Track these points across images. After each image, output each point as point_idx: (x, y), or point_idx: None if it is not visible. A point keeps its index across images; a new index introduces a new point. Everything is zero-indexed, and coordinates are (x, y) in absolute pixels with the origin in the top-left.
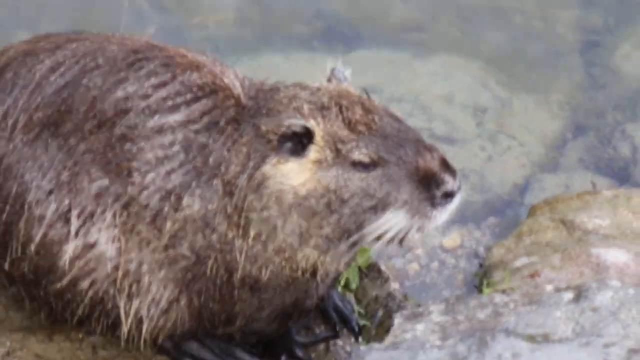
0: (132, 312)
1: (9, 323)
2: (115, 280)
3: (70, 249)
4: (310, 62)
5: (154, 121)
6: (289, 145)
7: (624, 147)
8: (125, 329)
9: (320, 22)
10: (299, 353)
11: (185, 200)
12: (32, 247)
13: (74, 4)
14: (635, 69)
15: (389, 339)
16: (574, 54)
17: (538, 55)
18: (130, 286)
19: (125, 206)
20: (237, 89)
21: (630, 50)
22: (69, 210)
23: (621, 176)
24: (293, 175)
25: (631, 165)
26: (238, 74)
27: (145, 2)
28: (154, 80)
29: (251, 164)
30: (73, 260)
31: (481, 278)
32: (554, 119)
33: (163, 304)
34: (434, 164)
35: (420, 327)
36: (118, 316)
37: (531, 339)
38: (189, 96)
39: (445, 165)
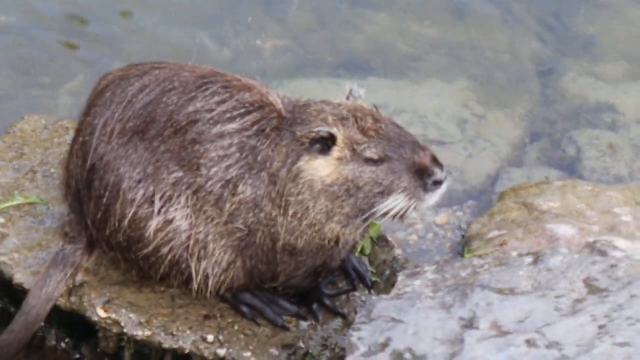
0: (200, 271)
1: (108, 279)
2: (188, 247)
3: (154, 223)
4: (335, 85)
5: (217, 129)
6: (317, 146)
7: (570, 148)
8: (195, 283)
9: (343, 55)
10: (326, 301)
11: (240, 188)
12: (125, 222)
13: (154, 41)
14: (577, 90)
15: (393, 292)
16: (532, 80)
17: (505, 80)
18: (199, 251)
19: (195, 192)
20: (279, 105)
21: (574, 76)
22: (153, 195)
23: (568, 170)
24: (321, 168)
25: (575, 162)
26: (279, 94)
27: (209, 41)
28: (216, 98)
29: (289, 160)
30: (156, 232)
31: (463, 246)
32: (517, 127)
33: (223, 264)
34: (426, 160)
35: (417, 282)
36: (190, 274)
37: (500, 291)
38: (242, 110)
39: (435, 161)
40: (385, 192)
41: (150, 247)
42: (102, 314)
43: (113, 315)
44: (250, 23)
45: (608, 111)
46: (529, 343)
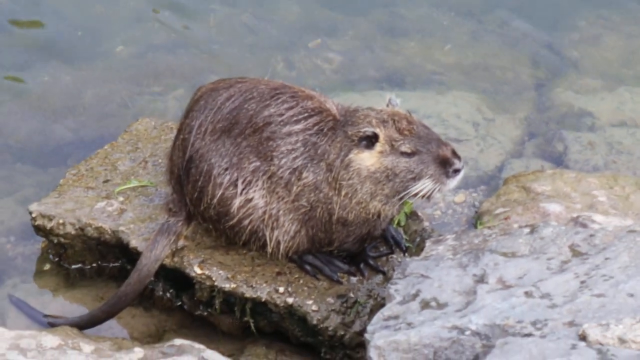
0: (273, 238)
1: (203, 244)
2: (263, 220)
3: (237, 202)
4: (378, 96)
5: (286, 129)
6: (364, 143)
7: (559, 145)
8: (269, 248)
9: (383, 72)
10: (371, 262)
11: (304, 174)
12: (215, 200)
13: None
14: (565, 100)
15: (422, 255)
16: (530, 92)
17: (509, 92)
18: (272, 223)
19: (269, 177)
20: (334, 110)
21: (562, 89)
22: (237, 180)
23: (557, 161)
24: (366, 160)
25: (563, 155)
26: (334, 102)
27: (280, 62)
28: (286, 105)
29: (342, 153)
30: (239, 209)
31: (476, 220)
32: (518, 128)
33: (291, 233)
34: (448, 153)
35: (441, 247)
36: (265, 241)
37: (505, 255)
38: (306, 114)
39: (455, 154)
40: (416, 178)
41: (235, 220)
42: (198, 270)
43: (207, 272)
44: (311, 48)
45: (588, 116)
46: (527, 294)
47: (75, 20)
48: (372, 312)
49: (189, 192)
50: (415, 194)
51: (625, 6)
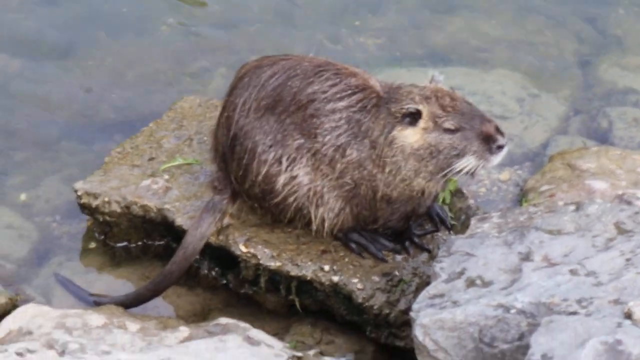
0: (318, 215)
1: (248, 222)
2: (308, 197)
3: (282, 179)
4: (421, 73)
5: (330, 106)
6: (407, 119)
7: (604, 122)
8: (314, 225)
9: (427, 49)
10: (416, 240)
11: (348, 151)
12: (260, 178)
13: (282, 37)
14: (609, 77)
15: (468, 232)
16: (574, 69)
17: (554, 69)
18: (317, 200)
19: (314, 154)
20: (377, 87)
21: (606, 66)
22: (281, 157)
23: (602, 139)
24: (410, 136)
25: (608, 132)
26: (377, 79)
27: (326, 39)
28: (329, 83)
29: (386, 130)
30: (284, 186)
31: (521, 197)
32: (563, 105)
33: (336, 210)
34: (491, 129)
35: (486, 225)
36: (310, 218)
37: (550, 232)
38: (349, 92)
39: (498, 130)
40: (460, 155)
41: (280, 197)
42: (243, 249)
43: (252, 250)
44: (357, 26)
45: (633, 93)
46: (572, 272)
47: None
48: (418, 291)
49: (234, 169)
50: (459, 171)
51: None
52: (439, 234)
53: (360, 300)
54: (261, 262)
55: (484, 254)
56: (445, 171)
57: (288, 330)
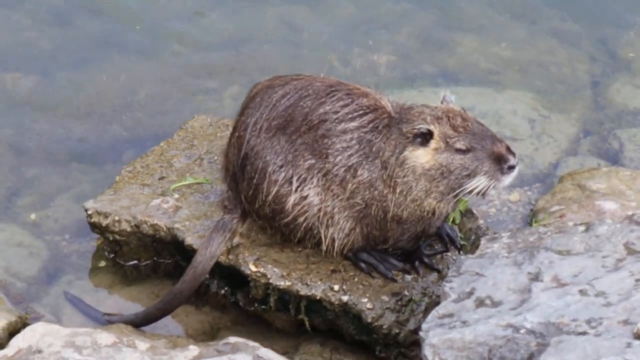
0: (328, 235)
1: (258, 241)
2: (318, 217)
3: (292, 199)
4: (433, 94)
5: (341, 126)
6: (419, 140)
7: (614, 143)
8: (324, 245)
9: (439, 69)
10: (425, 260)
11: (359, 172)
12: (271, 197)
13: (294, 59)
14: (620, 98)
15: (477, 252)
16: (585, 90)
17: (565, 90)
18: (327, 220)
19: (324, 175)
20: (389, 108)
21: (619, 87)
22: (292, 177)
23: (613, 160)
24: (421, 157)
25: (619, 153)
26: (389, 99)
27: (337, 59)
28: (341, 103)
29: (397, 150)
30: (294, 206)
31: (531, 217)
32: (574, 126)
33: (346, 231)
34: (502, 149)
35: (496, 245)
36: (320, 238)
37: (560, 252)
38: (361, 112)
39: (509, 150)
40: (471, 175)
41: (290, 217)
42: (253, 268)
43: (261, 270)
44: (370, 45)
45: None
46: (582, 292)
47: (134, 16)
48: (427, 310)
49: (244, 189)
50: (470, 191)
51: None
52: (449, 254)
53: (369, 320)
54: (271, 281)
55: (493, 274)
56: (457, 191)
57: (297, 349)
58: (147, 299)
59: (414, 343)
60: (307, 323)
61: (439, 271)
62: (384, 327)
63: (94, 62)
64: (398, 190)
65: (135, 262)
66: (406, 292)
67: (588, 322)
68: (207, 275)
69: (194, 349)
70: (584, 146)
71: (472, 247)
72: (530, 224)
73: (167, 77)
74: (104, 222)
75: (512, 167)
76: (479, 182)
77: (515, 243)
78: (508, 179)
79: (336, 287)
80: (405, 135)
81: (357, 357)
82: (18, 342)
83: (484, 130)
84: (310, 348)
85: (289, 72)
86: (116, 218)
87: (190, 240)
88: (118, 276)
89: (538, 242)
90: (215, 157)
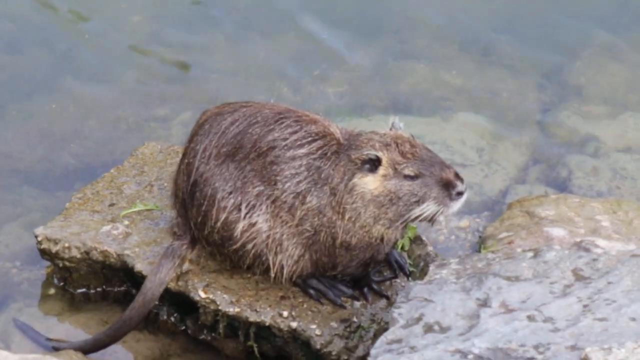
0: (277, 262)
1: (207, 268)
2: (267, 244)
3: (241, 226)
4: (382, 120)
5: (290, 153)
6: (367, 166)
7: (563, 170)
8: (273, 272)
9: (389, 98)
10: (374, 286)
11: (308, 198)
12: (219, 224)
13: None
14: (569, 125)
15: (426, 279)
16: (535, 117)
17: (514, 117)
18: (276, 247)
19: (273, 201)
20: (338, 134)
21: (567, 115)
22: (241, 204)
23: (561, 187)
24: (370, 183)
25: (567, 181)
26: (338, 126)
27: (286, 88)
28: (290, 130)
29: (346, 177)
30: (243, 233)
31: (480, 244)
32: (523, 154)
33: (295, 257)
34: (451, 175)
35: (444, 271)
36: (269, 265)
37: (508, 278)
38: (310, 139)
39: (458, 176)
40: (420, 201)
41: (239, 244)
42: (202, 294)
43: (211, 296)
44: (317, 75)
45: (592, 141)
46: (530, 318)
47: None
48: (376, 337)
49: (193, 215)
50: (419, 218)
51: (630, 33)
52: (398, 280)
53: (318, 346)
54: (220, 307)
55: (442, 299)
56: (405, 217)
57: None
58: (97, 325)
59: None
60: (256, 350)
61: (387, 298)
62: (333, 353)
63: (44, 91)
64: (347, 217)
65: (85, 289)
66: (355, 319)
67: (536, 347)
68: (157, 302)
69: None
70: (532, 174)
71: (421, 273)
72: (479, 251)
73: (117, 105)
74: (54, 249)
75: (460, 193)
76: (428, 209)
77: (463, 269)
78: (457, 205)
79: (285, 314)
80: (353, 161)
81: None
82: None
83: (433, 156)
84: None
85: (238, 99)
86: (66, 244)
87: (140, 266)
88: (68, 303)
89: (486, 269)
90: (165, 184)
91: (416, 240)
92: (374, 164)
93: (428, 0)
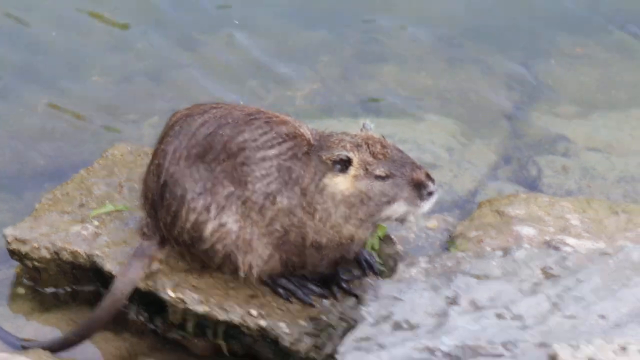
0: (246, 262)
1: (177, 267)
2: (237, 245)
3: (210, 226)
4: (353, 122)
5: (260, 154)
6: (338, 167)
7: (533, 169)
8: (242, 272)
9: (359, 99)
10: (343, 285)
11: (278, 199)
12: (189, 225)
13: (213, 89)
14: (539, 125)
15: (395, 277)
16: (504, 117)
17: (484, 117)
18: (246, 247)
19: (243, 202)
20: (308, 135)
21: (537, 115)
22: (210, 204)
23: (531, 186)
24: (340, 184)
25: (537, 180)
26: (309, 127)
27: (257, 88)
28: (260, 131)
29: (317, 177)
30: (213, 233)
31: (449, 243)
32: (493, 153)
33: (265, 257)
34: (422, 176)
35: (414, 270)
36: (238, 265)
37: (477, 277)
38: (280, 140)
39: (429, 177)
40: (391, 201)
41: (208, 244)
42: (171, 294)
43: (180, 295)
44: (287, 75)
45: (562, 141)
46: (498, 316)
47: (52, 46)
48: (344, 335)
49: (163, 216)
50: (390, 217)
51: (600, 33)
52: (367, 278)
53: (287, 345)
54: (189, 306)
55: (411, 298)
56: (376, 217)
57: None
58: (66, 325)
59: None
60: (224, 348)
61: (356, 296)
62: (302, 351)
63: (12, 93)
64: (317, 217)
65: (55, 289)
66: (324, 317)
67: (504, 344)
68: (126, 301)
69: None
70: (502, 173)
71: (390, 272)
72: (449, 250)
73: (86, 106)
74: (24, 249)
75: (431, 193)
76: (399, 209)
77: (433, 268)
78: (427, 205)
79: (254, 312)
80: (324, 162)
81: None
82: None
83: (404, 157)
84: None
85: (208, 100)
86: (35, 245)
87: (109, 266)
88: (37, 303)
89: (456, 267)
90: (135, 185)
91: (386, 239)
92: (345, 164)
93: (397, 1)
